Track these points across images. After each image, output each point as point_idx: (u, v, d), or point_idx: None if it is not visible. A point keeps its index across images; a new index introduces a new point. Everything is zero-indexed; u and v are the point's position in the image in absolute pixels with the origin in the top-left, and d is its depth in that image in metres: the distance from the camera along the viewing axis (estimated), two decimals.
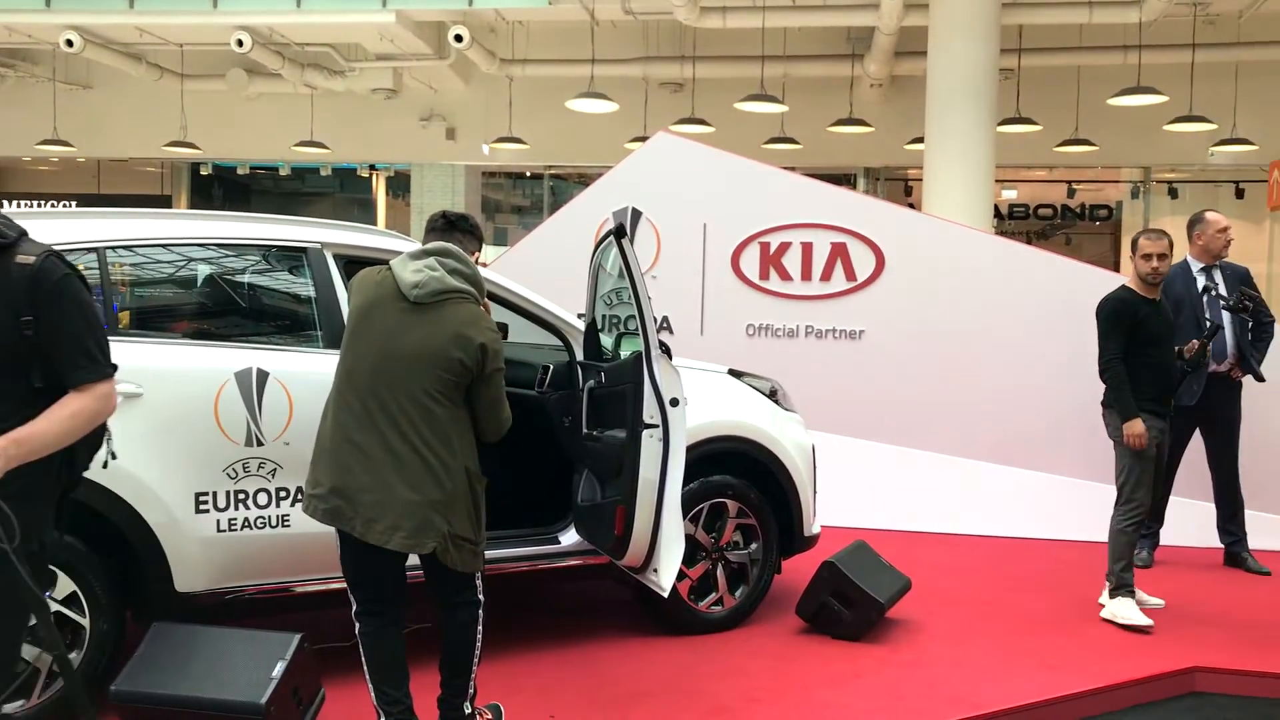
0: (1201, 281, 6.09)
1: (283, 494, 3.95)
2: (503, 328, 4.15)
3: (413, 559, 3.39)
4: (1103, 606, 5.22)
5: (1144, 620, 5.03)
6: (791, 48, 14.33)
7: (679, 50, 14.79)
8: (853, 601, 4.72)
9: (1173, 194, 16.94)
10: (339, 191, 20.21)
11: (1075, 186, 17.61)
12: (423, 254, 3.44)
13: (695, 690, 4.12)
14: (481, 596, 3.54)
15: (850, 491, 6.69)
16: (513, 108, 15.40)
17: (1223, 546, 6.31)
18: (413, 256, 3.44)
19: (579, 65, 14.18)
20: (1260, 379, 6.05)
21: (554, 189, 18.36)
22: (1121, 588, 5.16)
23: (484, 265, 3.78)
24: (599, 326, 4.80)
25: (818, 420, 6.34)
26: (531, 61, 15.00)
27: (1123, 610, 5.08)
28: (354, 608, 3.48)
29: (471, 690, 3.55)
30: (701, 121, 13.87)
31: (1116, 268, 16.00)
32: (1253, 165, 15.35)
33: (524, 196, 19.62)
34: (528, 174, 18.81)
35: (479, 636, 3.53)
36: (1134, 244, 5.34)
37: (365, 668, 3.44)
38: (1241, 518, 6.25)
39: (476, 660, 3.54)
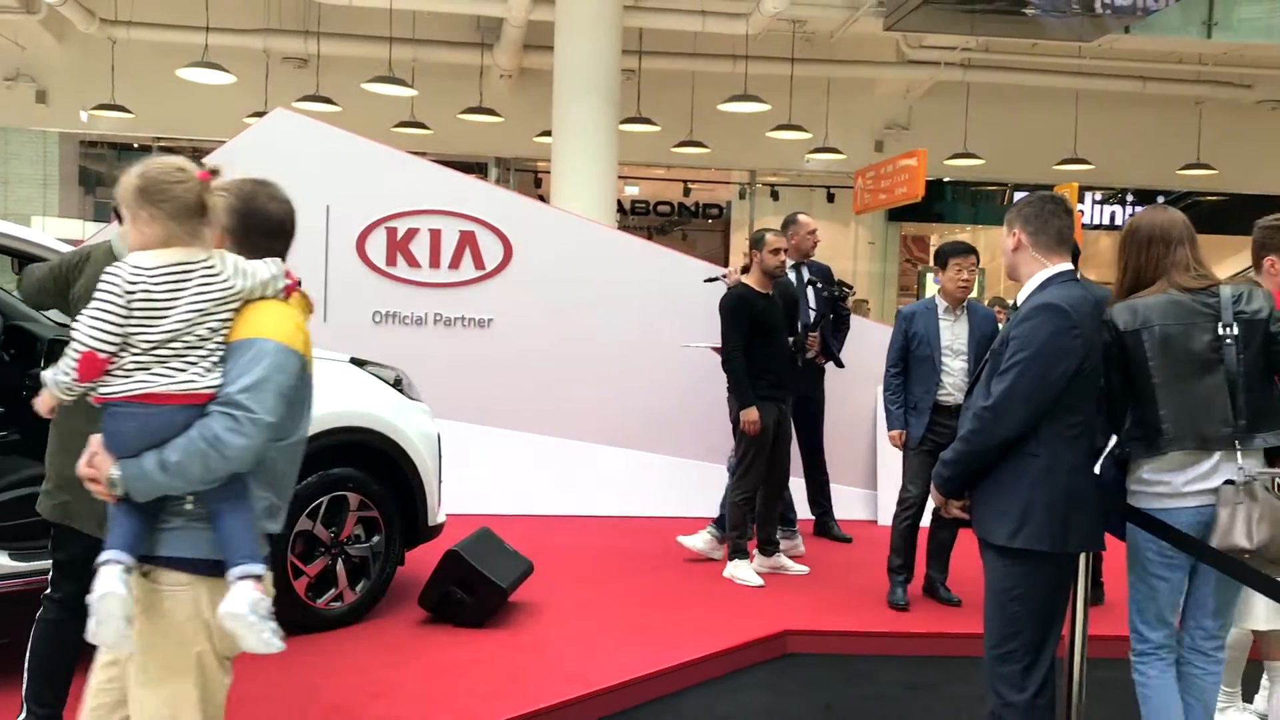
0: (796, 277, 6.65)
1: None
2: None
3: None
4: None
5: (758, 580, 5.65)
6: (421, 31, 14.17)
7: (303, 24, 14.19)
8: (475, 588, 4.76)
9: (775, 196, 18.40)
10: None
11: (690, 186, 18.70)
12: None
13: (311, 690, 3.98)
14: None
15: (478, 478, 6.74)
16: (115, 73, 14.14)
17: (813, 518, 6.96)
18: None
19: (192, 32, 13.26)
20: (840, 365, 6.72)
21: None
22: (738, 552, 5.71)
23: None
24: None
25: (446, 408, 6.32)
26: (137, 24, 13.84)
27: (740, 572, 5.68)
28: (51, 590, 3.16)
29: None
30: (327, 100, 13.40)
31: (726, 263, 17.15)
32: (841, 173, 16.97)
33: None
34: (135, 145, 17.34)
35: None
36: (760, 240, 5.77)
37: (32, 659, 3.14)
38: (828, 490, 6.93)
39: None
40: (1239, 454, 3.12)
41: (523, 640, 4.64)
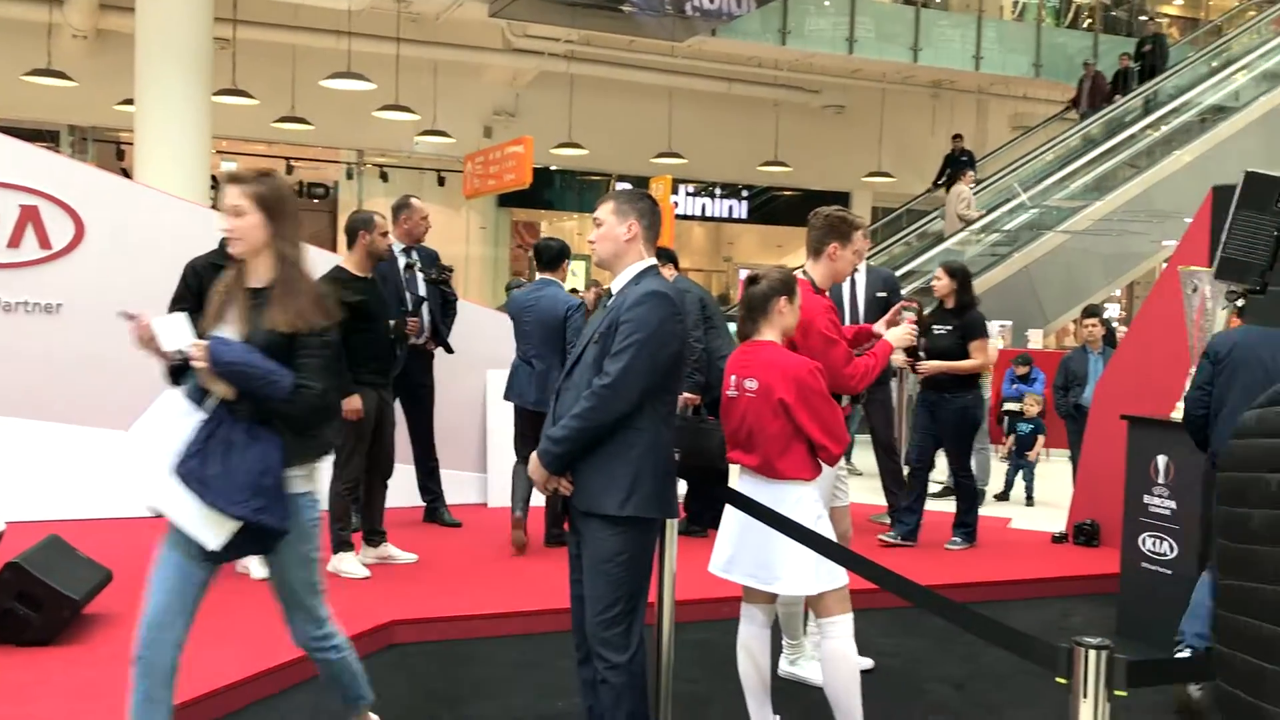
0: (403, 261, 6.55)
1: None
2: None
3: None
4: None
5: (364, 572, 5.53)
6: None
7: None
8: (41, 602, 4.29)
9: (384, 178, 18.06)
10: None
11: (294, 164, 17.94)
12: None
13: None
14: None
15: (45, 481, 6.10)
16: None
17: (424, 504, 6.91)
18: None
19: None
20: (450, 350, 6.71)
21: None
22: (342, 544, 5.56)
23: None
24: None
25: (5, 404, 5.67)
26: None
27: (345, 565, 5.54)
28: None
29: None
30: None
31: (334, 246, 16.71)
32: (451, 156, 16.97)
33: None
34: None
35: None
36: (369, 221, 5.58)
37: None
38: (438, 476, 6.90)
39: None
40: None
41: (101, 655, 4.25)
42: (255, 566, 5.48)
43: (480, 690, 4.34)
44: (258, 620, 4.74)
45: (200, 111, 11.23)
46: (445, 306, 6.73)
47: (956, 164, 16.94)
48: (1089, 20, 20.65)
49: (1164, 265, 8.21)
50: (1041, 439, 8.77)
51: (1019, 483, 8.69)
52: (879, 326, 4.47)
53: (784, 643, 4.51)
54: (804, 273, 4.20)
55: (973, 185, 15.43)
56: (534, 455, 3.29)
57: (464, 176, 15.70)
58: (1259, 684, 1.53)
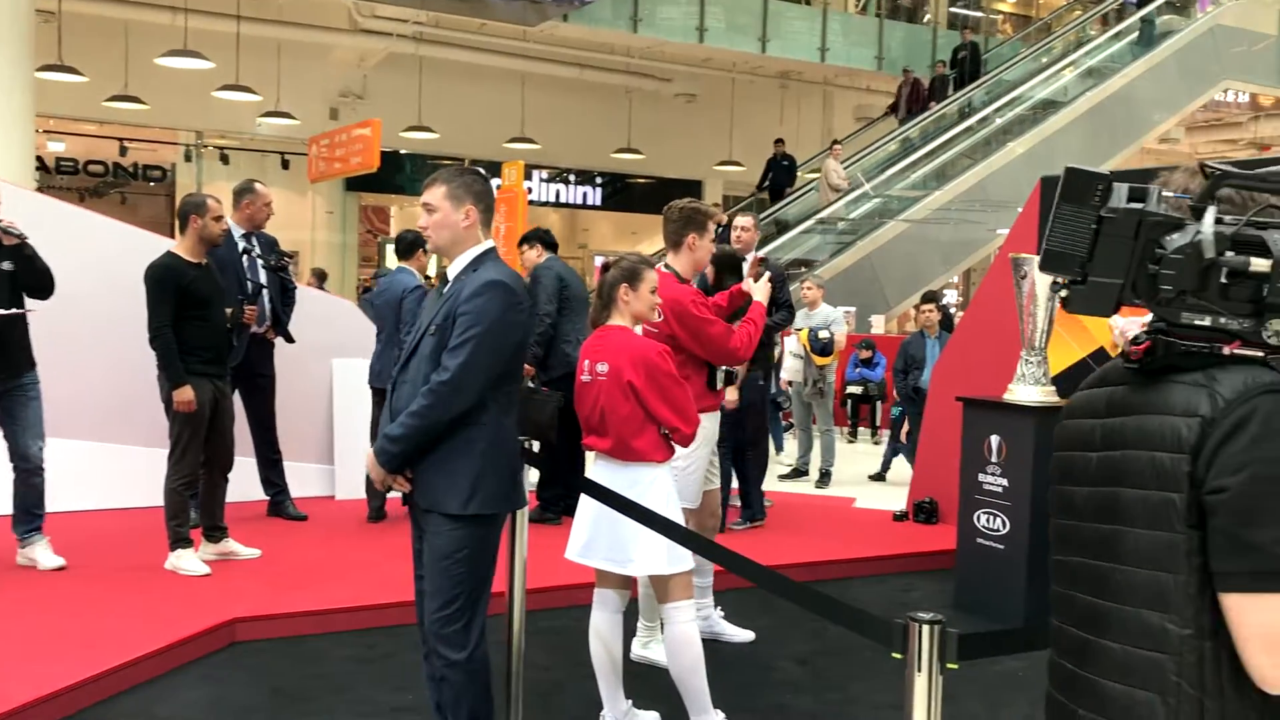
0: (243, 245, 6.32)
1: None
2: None
3: None
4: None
5: (204, 569, 5.34)
6: None
7: None
8: None
9: (225, 160, 17.42)
10: None
11: (128, 144, 17.14)
12: None
13: None
14: None
15: None
16: None
17: (267, 498, 6.70)
18: None
19: None
20: (290, 340, 6.52)
21: None
22: (179, 541, 5.37)
23: None
24: None
25: None
26: None
27: (184, 562, 5.35)
28: None
29: None
30: None
31: (171, 231, 16.01)
32: (296, 139, 16.47)
33: None
34: None
35: None
36: (202, 205, 5.36)
37: None
38: (281, 469, 6.70)
39: None
40: None
41: None
42: (43, 556, 5.26)
43: (328, 686, 4.24)
44: (83, 625, 4.54)
45: (22, 88, 10.60)
46: (284, 294, 6.54)
47: (778, 167, 17.33)
48: (928, 15, 21.35)
49: (998, 252, 8.56)
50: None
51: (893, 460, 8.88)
52: (746, 284, 4.61)
53: (639, 625, 4.55)
54: (666, 266, 4.22)
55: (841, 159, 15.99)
56: (370, 453, 3.18)
57: (309, 159, 15.25)
58: (1081, 654, 1.57)
